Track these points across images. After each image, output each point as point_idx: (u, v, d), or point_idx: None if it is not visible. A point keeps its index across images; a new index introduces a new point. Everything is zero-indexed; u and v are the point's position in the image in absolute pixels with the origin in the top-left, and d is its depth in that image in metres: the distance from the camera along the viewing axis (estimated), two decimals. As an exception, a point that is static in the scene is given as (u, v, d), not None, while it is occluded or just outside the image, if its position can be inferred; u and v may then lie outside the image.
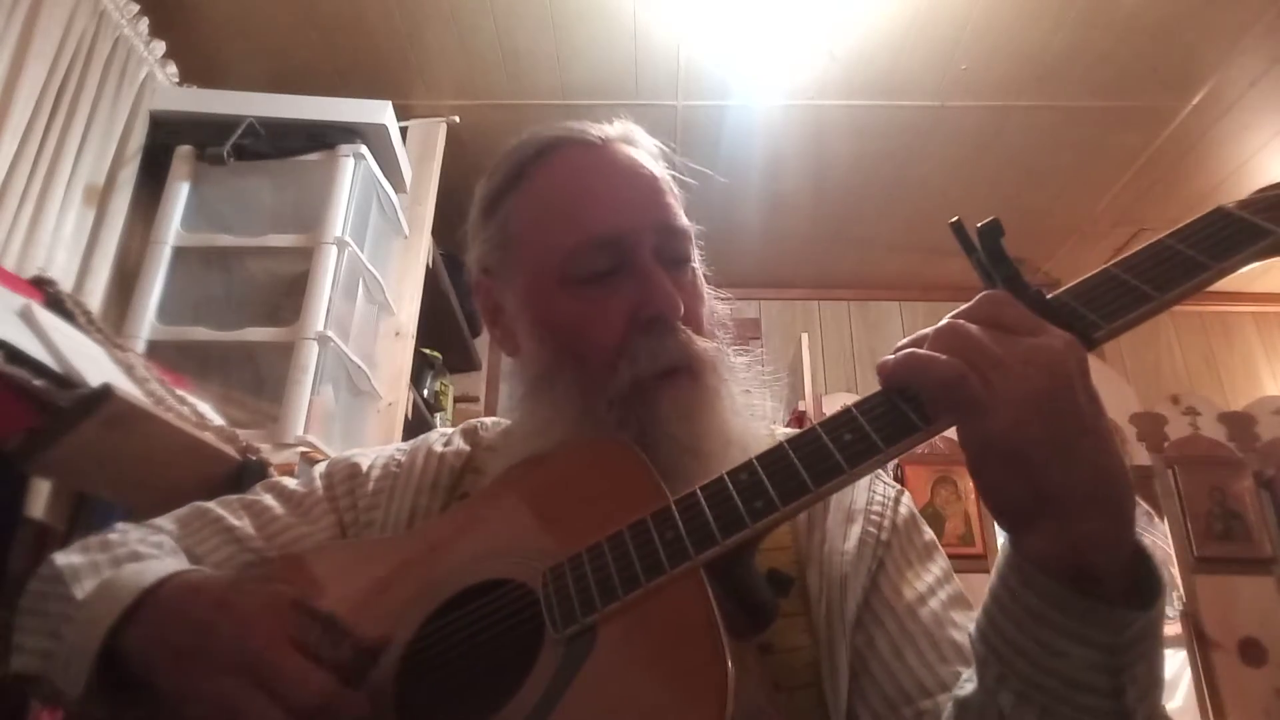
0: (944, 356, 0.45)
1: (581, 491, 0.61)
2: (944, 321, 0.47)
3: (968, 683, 0.50)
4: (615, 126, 0.75)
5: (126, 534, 0.68)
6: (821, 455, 0.49)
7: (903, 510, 0.70)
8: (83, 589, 0.58)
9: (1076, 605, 0.43)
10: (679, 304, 0.66)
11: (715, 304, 0.75)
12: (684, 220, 0.72)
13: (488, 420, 0.83)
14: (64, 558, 0.63)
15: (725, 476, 0.52)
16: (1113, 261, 0.50)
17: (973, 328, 0.45)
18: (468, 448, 0.79)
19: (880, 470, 0.72)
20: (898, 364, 0.47)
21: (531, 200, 0.72)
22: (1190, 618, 2.46)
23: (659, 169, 0.74)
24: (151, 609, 0.54)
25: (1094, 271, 0.49)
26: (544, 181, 0.72)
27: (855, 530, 0.66)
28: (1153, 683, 0.45)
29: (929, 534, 0.70)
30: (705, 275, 0.75)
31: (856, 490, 0.69)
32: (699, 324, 0.69)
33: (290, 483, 0.78)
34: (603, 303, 0.67)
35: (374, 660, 0.53)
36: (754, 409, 0.71)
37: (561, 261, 0.68)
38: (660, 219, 0.70)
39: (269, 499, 0.76)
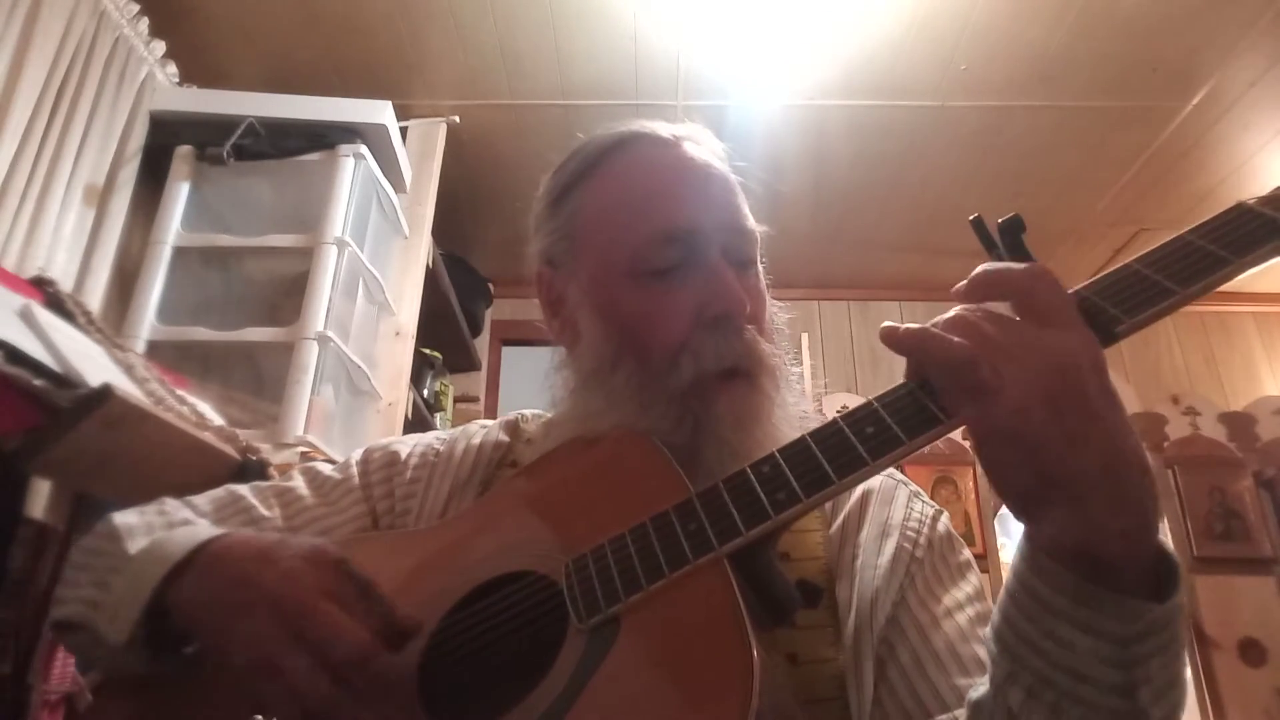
0: (957, 339, 0.45)
1: (604, 485, 0.61)
2: (954, 311, 0.47)
3: (981, 685, 0.49)
4: (684, 126, 0.76)
5: (179, 507, 0.71)
6: (844, 447, 0.49)
7: (940, 529, 0.68)
8: (136, 545, 0.60)
9: (1084, 592, 0.42)
10: (745, 303, 0.65)
11: (774, 310, 0.74)
12: (752, 222, 0.72)
13: (529, 412, 0.83)
14: (121, 517, 0.66)
15: (747, 469, 0.52)
16: (1134, 257, 0.50)
17: (982, 319, 0.45)
18: (507, 439, 0.79)
19: (921, 490, 0.72)
20: (909, 334, 0.47)
21: (603, 193, 0.72)
22: (1190, 618, 2.46)
23: (727, 170, 0.74)
24: (201, 564, 0.56)
25: (1116, 267, 0.50)
26: (617, 175, 0.72)
27: (890, 545, 0.65)
28: (1170, 684, 0.44)
29: (965, 554, 0.69)
30: (768, 281, 0.75)
31: (894, 506, 0.69)
32: (762, 326, 0.69)
33: (326, 468, 0.79)
34: (670, 297, 0.66)
35: (404, 636, 0.53)
36: (803, 420, 0.69)
37: (631, 253, 0.67)
38: (731, 219, 0.70)
39: (301, 486, 0.76)
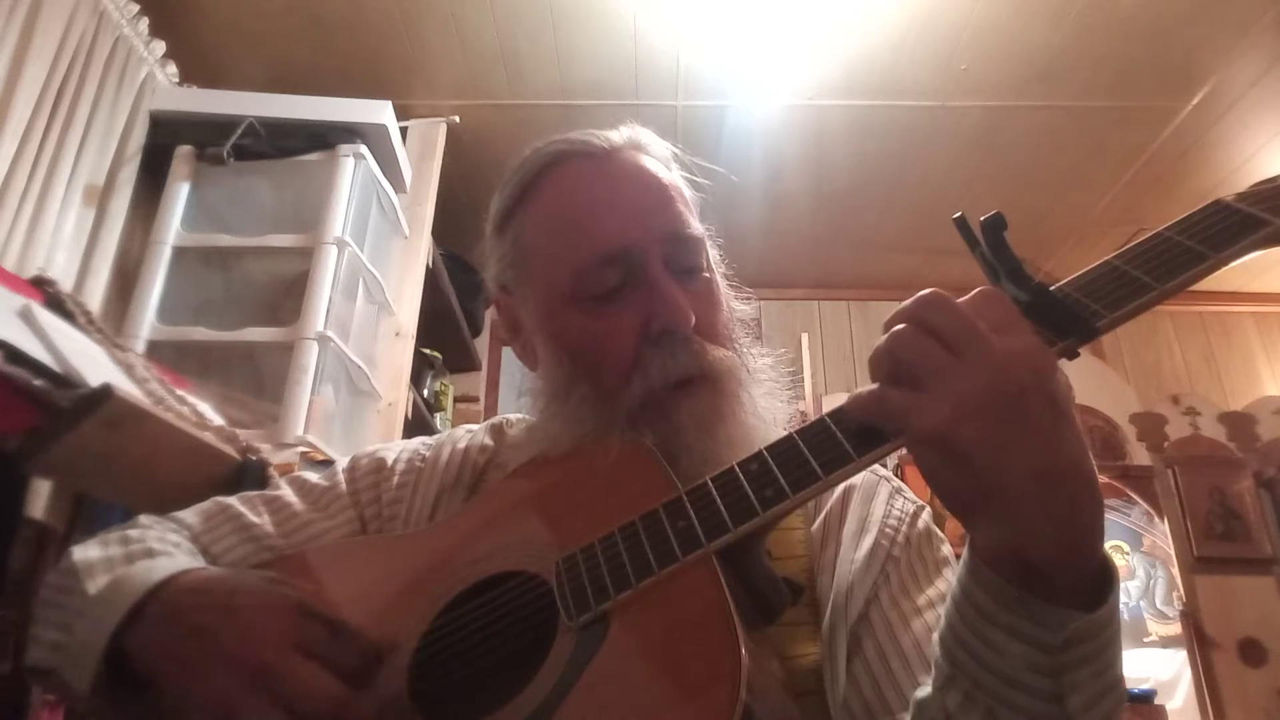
0: (884, 352, 0.46)
1: (594, 486, 0.61)
2: (898, 326, 0.46)
3: (926, 686, 0.50)
4: (622, 132, 0.74)
5: (146, 530, 0.68)
6: (830, 444, 0.49)
7: (919, 526, 0.68)
8: (95, 584, 0.59)
9: (1014, 598, 0.43)
10: (689, 316, 0.65)
11: (735, 305, 0.74)
12: (695, 227, 0.71)
13: (513, 417, 0.83)
14: (81, 552, 0.64)
15: (735, 467, 0.52)
16: (1114, 253, 0.50)
17: (915, 335, 0.45)
18: (493, 443, 0.79)
19: (904, 485, 0.72)
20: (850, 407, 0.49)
21: (538, 218, 0.72)
22: (1190, 618, 2.46)
23: (669, 175, 0.73)
24: (156, 608, 0.54)
25: (1096, 263, 0.50)
26: (549, 198, 0.71)
27: (867, 541, 0.66)
28: (1103, 692, 0.44)
29: (944, 551, 0.68)
30: (725, 275, 0.75)
31: (875, 502, 0.69)
32: (714, 332, 0.68)
33: (313, 477, 0.78)
34: (614, 318, 0.66)
35: (380, 664, 0.53)
36: (775, 412, 0.69)
37: (571, 279, 0.67)
38: (668, 229, 0.68)
39: (290, 494, 0.76)
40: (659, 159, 0.74)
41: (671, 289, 0.65)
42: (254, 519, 0.72)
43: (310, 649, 0.49)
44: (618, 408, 0.65)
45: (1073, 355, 0.47)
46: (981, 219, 0.51)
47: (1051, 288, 0.49)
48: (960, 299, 0.46)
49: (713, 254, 0.74)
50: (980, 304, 0.46)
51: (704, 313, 0.67)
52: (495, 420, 0.83)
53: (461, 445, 0.79)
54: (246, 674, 0.48)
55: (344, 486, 0.77)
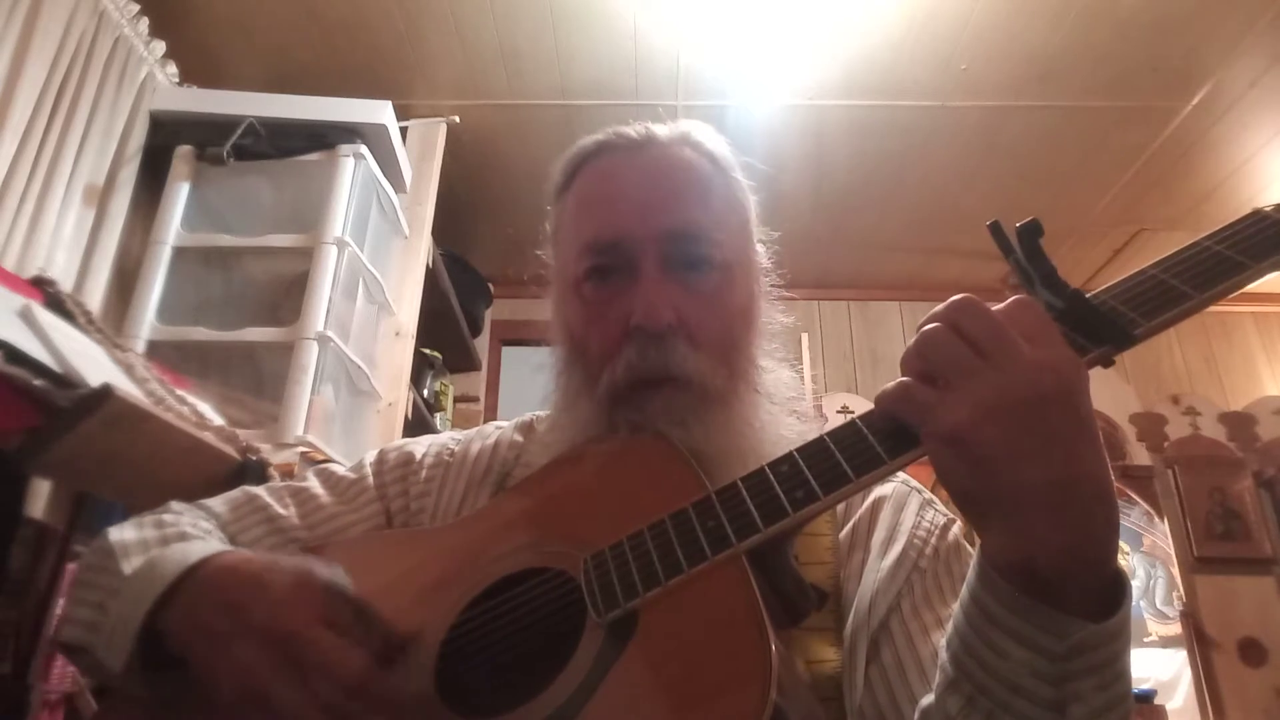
0: (889, 386, 0.47)
1: (622, 484, 0.62)
2: (930, 326, 0.47)
3: (931, 694, 0.50)
4: (669, 126, 0.75)
5: (179, 515, 0.69)
6: (862, 447, 0.49)
7: (949, 538, 0.68)
8: (130, 565, 0.59)
9: (1019, 604, 0.43)
10: (661, 315, 0.64)
11: (766, 316, 0.74)
12: (705, 225, 0.69)
13: (542, 414, 0.83)
14: (117, 533, 0.65)
15: (765, 468, 0.53)
16: (1151, 262, 0.50)
17: (946, 336, 0.46)
18: (521, 440, 0.80)
19: (935, 498, 0.72)
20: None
21: (568, 205, 0.74)
22: (1190, 618, 2.46)
23: (704, 171, 0.72)
24: (191, 588, 0.55)
25: (1133, 271, 0.50)
26: (579, 187, 0.74)
27: (895, 550, 0.65)
28: (1108, 706, 0.43)
29: None
30: (774, 285, 0.76)
31: (905, 513, 0.69)
32: (704, 334, 0.67)
33: (340, 469, 0.79)
34: (604, 307, 0.68)
35: (403, 650, 0.53)
36: (781, 428, 0.68)
37: (573, 264, 0.70)
38: (667, 225, 0.68)
39: (317, 485, 0.77)
40: (705, 156, 0.74)
41: (651, 286, 0.65)
42: (280, 510, 0.73)
43: (335, 625, 0.50)
44: (592, 396, 0.67)
45: (1108, 363, 0.47)
46: (1017, 225, 0.51)
47: (1088, 295, 0.49)
48: (995, 306, 0.46)
49: (752, 258, 0.75)
50: (1014, 312, 0.46)
51: (697, 314, 0.66)
52: (526, 417, 0.84)
53: (490, 441, 0.79)
54: (272, 645, 0.48)
55: (371, 480, 0.77)
